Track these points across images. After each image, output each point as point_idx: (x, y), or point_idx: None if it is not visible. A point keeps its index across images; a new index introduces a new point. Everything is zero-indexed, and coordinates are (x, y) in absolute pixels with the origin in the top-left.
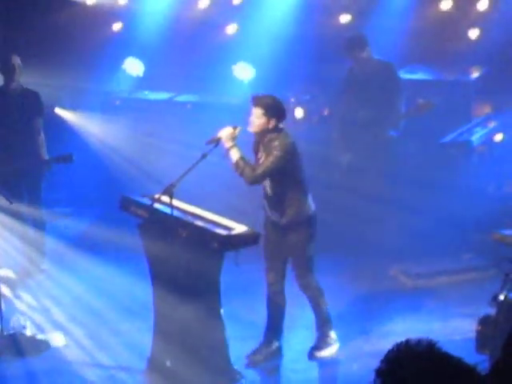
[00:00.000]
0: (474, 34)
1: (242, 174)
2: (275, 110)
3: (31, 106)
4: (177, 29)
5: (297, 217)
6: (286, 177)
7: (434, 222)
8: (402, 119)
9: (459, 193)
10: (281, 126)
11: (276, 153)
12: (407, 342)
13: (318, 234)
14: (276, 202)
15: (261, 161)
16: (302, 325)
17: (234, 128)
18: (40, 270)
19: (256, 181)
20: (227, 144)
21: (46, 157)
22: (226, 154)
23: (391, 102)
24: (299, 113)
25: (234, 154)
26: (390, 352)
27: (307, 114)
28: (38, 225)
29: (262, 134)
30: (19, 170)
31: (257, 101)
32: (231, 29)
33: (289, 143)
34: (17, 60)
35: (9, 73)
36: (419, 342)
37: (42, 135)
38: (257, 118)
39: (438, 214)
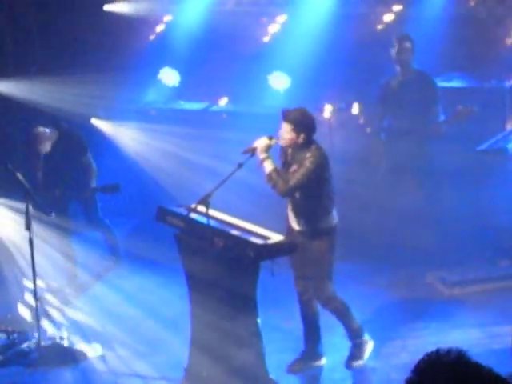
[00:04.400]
0: (510, 39)
1: (274, 187)
2: (304, 125)
3: (72, 149)
4: (212, 38)
5: (320, 226)
6: (313, 188)
7: (471, 228)
8: (442, 126)
9: (495, 199)
10: (312, 137)
11: (308, 165)
12: (437, 351)
13: (354, 241)
14: (300, 211)
15: (292, 171)
16: (338, 332)
17: (270, 139)
18: (78, 281)
19: (288, 193)
20: (261, 155)
21: (93, 185)
22: (259, 164)
23: (429, 111)
24: (334, 121)
25: (268, 166)
26: (419, 362)
27: (342, 122)
28: (107, 239)
29: (293, 146)
30: (66, 197)
31: (286, 116)
32: (266, 38)
33: (321, 155)
34: (43, 130)
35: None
36: (449, 351)
37: (92, 167)
38: (286, 133)
39: (474, 221)
